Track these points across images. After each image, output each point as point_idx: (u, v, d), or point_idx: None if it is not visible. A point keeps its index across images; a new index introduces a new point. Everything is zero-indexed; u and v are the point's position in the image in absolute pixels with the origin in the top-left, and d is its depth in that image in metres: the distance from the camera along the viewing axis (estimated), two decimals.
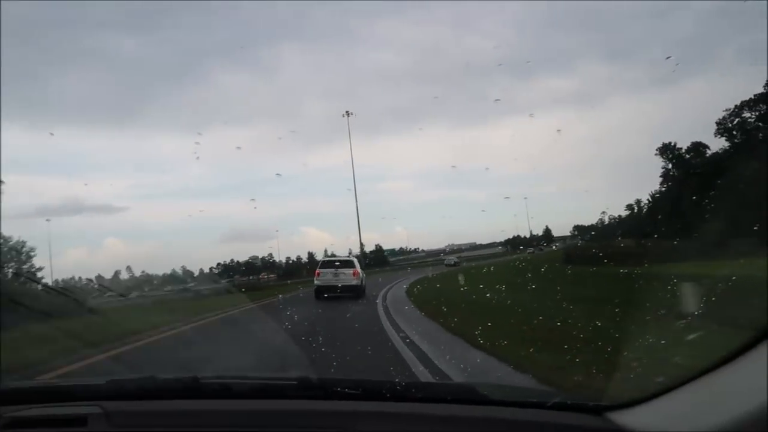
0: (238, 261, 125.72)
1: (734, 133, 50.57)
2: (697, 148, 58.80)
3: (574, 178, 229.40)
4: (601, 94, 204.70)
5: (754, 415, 0.86)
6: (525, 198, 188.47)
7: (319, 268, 20.21)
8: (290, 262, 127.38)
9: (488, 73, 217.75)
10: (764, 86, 45.71)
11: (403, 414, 1.43)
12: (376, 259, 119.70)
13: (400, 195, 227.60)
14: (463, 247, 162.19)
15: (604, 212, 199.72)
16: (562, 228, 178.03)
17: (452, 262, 65.85)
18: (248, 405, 1.52)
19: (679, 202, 45.95)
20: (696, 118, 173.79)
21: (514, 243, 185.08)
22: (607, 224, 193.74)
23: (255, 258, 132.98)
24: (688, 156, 60.10)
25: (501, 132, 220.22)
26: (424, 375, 5.63)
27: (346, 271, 19.50)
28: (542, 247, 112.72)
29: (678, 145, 60.88)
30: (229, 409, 1.50)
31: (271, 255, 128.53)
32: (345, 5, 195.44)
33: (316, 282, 19.69)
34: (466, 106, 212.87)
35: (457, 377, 5.40)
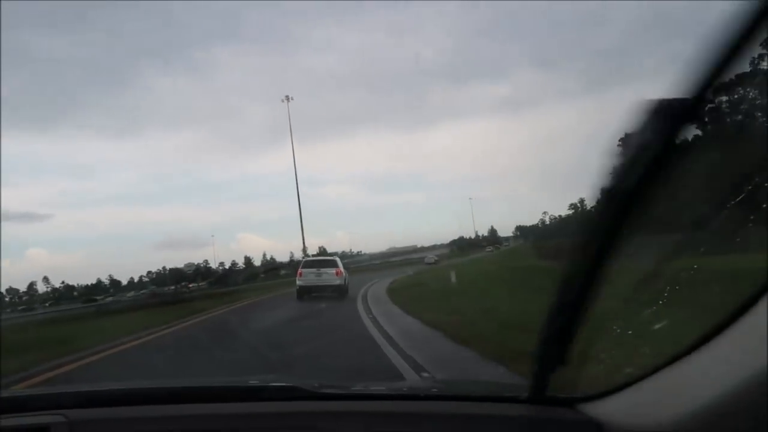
0: (172, 268, 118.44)
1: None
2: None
3: (513, 181, 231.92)
4: (534, 100, 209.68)
5: (731, 395, 0.85)
6: (470, 198, 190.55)
7: (302, 267, 19.47)
8: (229, 267, 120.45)
9: (426, 79, 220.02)
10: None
11: (376, 413, 1.42)
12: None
13: (340, 199, 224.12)
14: (405, 250, 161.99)
15: (545, 213, 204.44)
16: (504, 229, 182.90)
17: (432, 260, 65.17)
18: (221, 408, 1.48)
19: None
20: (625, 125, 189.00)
21: (460, 244, 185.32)
22: (549, 224, 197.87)
23: (190, 265, 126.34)
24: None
25: (440, 136, 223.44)
26: None
27: (329, 271, 18.79)
28: (498, 246, 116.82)
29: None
30: (196, 413, 1.47)
31: (206, 261, 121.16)
32: (282, 8, 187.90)
33: (298, 282, 18.94)
34: (405, 111, 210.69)
35: None
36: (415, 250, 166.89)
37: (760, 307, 0.86)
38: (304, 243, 52.02)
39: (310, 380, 1.62)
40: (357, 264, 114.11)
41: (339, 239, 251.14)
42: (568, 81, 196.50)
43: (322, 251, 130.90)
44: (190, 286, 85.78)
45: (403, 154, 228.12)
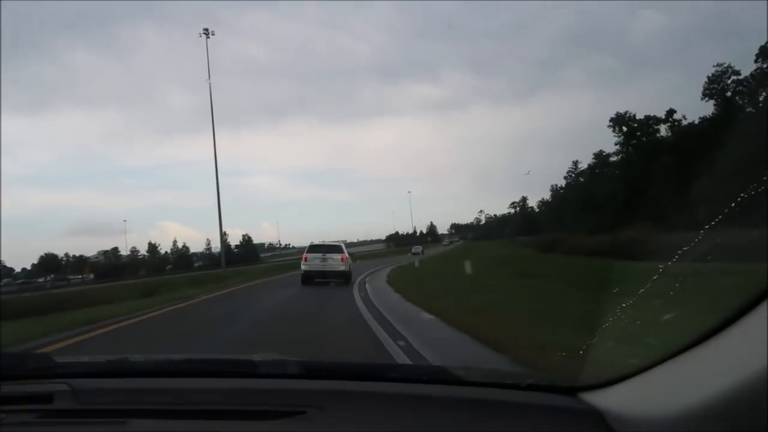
0: (76, 256, 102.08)
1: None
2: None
3: (447, 180, 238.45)
4: (466, 102, 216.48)
5: (730, 392, 0.85)
6: (409, 192, 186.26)
7: (307, 252, 19.33)
8: (127, 256, 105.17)
9: (359, 75, 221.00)
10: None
11: (377, 393, 1.42)
12: (242, 255, 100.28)
13: (269, 190, 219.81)
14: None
15: (481, 211, 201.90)
16: (440, 226, 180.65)
17: (418, 251, 66.43)
18: (219, 383, 1.49)
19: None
20: (557, 131, 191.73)
21: (397, 240, 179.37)
22: (486, 222, 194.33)
23: (99, 254, 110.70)
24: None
25: (374, 133, 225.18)
26: None
27: (334, 257, 18.81)
28: (453, 241, 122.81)
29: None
30: (200, 387, 1.48)
31: (116, 249, 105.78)
32: None
33: (303, 267, 18.94)
34: (336, 106, 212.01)
35: None
36: (346, 245, 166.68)
37: (765, 304, 0.86)
38: (222, 232, 39.50)
39: (321, 360, 1.80)
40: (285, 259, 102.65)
41: (266, 231, 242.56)
42: (498, 86, 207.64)
43: (246, 240, 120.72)
44: (73, 278, 71.12)
45: (335, 148, 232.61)
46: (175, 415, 1.37)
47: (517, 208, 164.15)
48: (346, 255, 19.62)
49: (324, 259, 18.85)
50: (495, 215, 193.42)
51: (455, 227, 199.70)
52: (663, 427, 0.99)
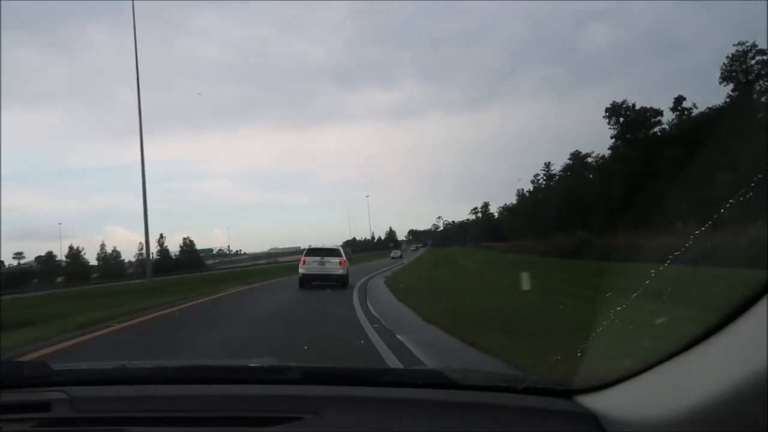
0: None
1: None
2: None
3: (403, 187, 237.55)
4: (422, 109, 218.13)
5: (724, 394, 0.85)
6: (367, 196, 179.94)
7: (305, 255, 19.24)
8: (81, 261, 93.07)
9: (314, 79, 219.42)
10: None
11: (373, 398, 1.41)
12: (182, 262, 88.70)
13: (221, 195, 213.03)
14: (289, 251, 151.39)
15: (439, 217, 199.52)
16: (397, 232, 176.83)
17: (398, 255, 66.43)
18: (216, 390, 1.48)
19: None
20: (511, 138, 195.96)
21: (354, 245, 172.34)
22: (445, 228, 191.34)
23: (32, 261, 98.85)
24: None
25: (329, 138, 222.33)
26: None
27: (332, 260, 18.82)
28: (418, 247, 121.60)
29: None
30: (197, 394, 1.47)
31: (50, 253, 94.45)
32: None
33: (301, 270, 18.85)
34: (291, 110, 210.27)
35: None
36: (299, 251, 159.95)
37: (761, 306, 0.85)
38: (147, 240, 29.41)
39: (302, 363, 1.64)
40: (234, 265, 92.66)
41: (218, 236, 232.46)
42: (452, 94, 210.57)
43: (188, 245, 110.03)
44: None
45: (290, 152, 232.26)
46: (172, 422, 1.38)
47: (479, 214, 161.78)
48: (344, 258, 19.37)
49: (322, 263, 18.49)
50: (453, 221, 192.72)
51: (413, 233, 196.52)
52: (657, 429, 0.99)
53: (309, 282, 18.56)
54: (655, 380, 1.07)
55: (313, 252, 19.40)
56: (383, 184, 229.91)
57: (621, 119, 53.93)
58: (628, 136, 53.06)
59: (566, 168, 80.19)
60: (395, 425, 1.30)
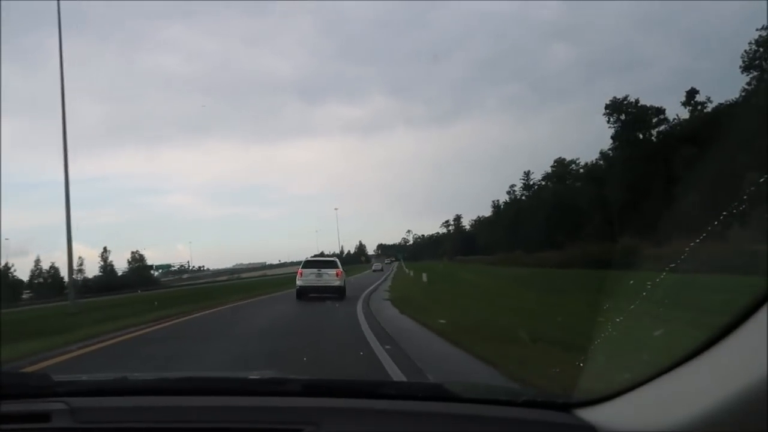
0: None
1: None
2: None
3: (371, 201, 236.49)
4: (388, 124, 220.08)
5: (728, 404, 0.85)
6: (336, 209, 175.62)
7: (302, 268, 19.32)
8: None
9: (281, 94, 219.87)
10: None
11: (372, 410, 1.40)
12: (128, 279, 78.51)
13: (184, 210, 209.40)
14: (254, 266, 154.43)
15: (408, 231, 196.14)
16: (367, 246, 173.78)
17: (379, 267, 66.08)
18: (216, 401, 1.48)
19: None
20: (478, 153, 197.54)
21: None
22: (416, 242, 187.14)
23: None
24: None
25: (296, 152, 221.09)
26: None
27: (329, 272, 18.83)
28: (392, 260, 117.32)
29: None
30: (197, 405, 1.47)
31: None
32: (129, 3, 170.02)
33: (298, 282, 18.96)
34: (257, 124, 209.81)
35: None
36: (264, 267, 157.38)
37: (760, 315, 0.85)
38: (70, 257, 22.76)
39: (303, 376, 1.65)
40: (194, 283, 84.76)
41: (179, 252, 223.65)
42: (418, 110, 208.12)
43: (137, 260, 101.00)
44: None
45: (255, 167, 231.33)
46: None
47: (451, 227, 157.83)
48: (341, 270, 19.52)
49: (319, 275, 18.67)
50: (423, 235, 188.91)
51: (382, 247, 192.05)
52: None
53: (306, 294, 18.50)
54: (654, 393, 1.07)
55: (310, 264, 19.47)
56: (351, 199, 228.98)
57: (622, 116, 49.75)
58: (629, 135, 48.84)
59: (550, 176, 76.13)
60: None
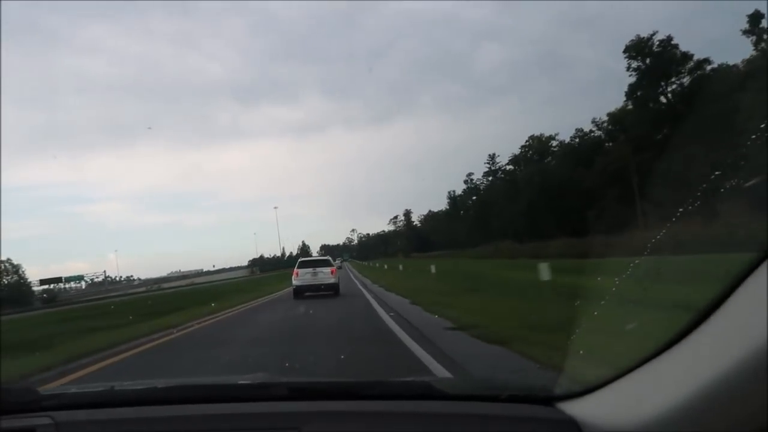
0: None
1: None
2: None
3: (312, 202, 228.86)
4: (325, 125, 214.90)
5: (707, 391, 0.86)
6: (275, 207, 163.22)
7: (297, 268, 19.87)
8: None
9: (214, 96, 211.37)
10: None
11: (357, 412, 1.42)
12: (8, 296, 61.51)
13: (114, 218, 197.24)
14: (190, 274, 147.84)
15: (353, 230, 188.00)
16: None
17: (339, 266, 60.35)
18: (204, 409, 1.47)
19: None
20: (419, 152, 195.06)
21: (262, 264, 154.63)
22: (362, 241, 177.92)
23: None
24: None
25: (232, 155, 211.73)
26: None
27: (324, 270, 19.42)
28: (344, 259, 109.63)
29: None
30: (186, 414, 1.47)
31: None
32: (47, 3, 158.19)
33: (294, 282, 19.46)
34: (190, 128, 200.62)
35: None
36: (200, 273, 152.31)
37: (736, 299, 0.86)
38: None
39: (297, 378, 1.83)
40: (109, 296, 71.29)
41: (110, 262, 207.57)
42: (353, 110, 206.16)
43: (7, 270, 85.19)
44: None
45: (190, 172, 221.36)
46: None
47: (400, 224, 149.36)
48: (335, 268, 20.45)
49: (315, 273, 19.30)
50: (368, 234, 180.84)
51: (325, 248, 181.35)
52: None
53: (302, 293, 18.92)
54: (635, 384, 1.07)
55: (304, 264, 20.16)
56: (291, 201, 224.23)
57: (647, 61, 40.20)
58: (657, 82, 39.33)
59: (520, 157, 67.33)
60: None
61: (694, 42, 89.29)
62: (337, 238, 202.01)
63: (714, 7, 70.31)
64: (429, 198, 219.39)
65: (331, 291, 18.98)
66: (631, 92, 40.63)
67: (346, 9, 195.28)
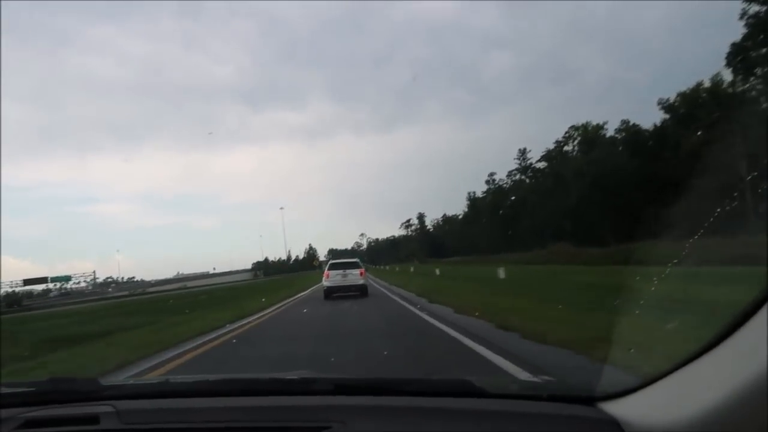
0: None
1: None
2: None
3: (320, 206, 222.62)
4: (332, 129, 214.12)
5: (747, 392, 0.86)
6: (281, 208, 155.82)
7: (328, 269, 20.77)
8: None
9: (222, 99, 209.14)
10: None
11: (399, 407, 1.44)
12: None
13: (121, 218, 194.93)
14: (195, 276, 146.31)
15: (362, 235, 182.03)
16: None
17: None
18: (251, 402, 1.55)
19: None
20: (427, 158, 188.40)
21: (267, 268, 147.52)
22: (367, 247, 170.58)
23: None
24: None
25: (239, 158, 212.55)
26: None
27: (353, 272, 20.04)
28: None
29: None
30: (234, 405, 1.54)
31: None
32: (53, 3, 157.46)
33: (325, 283, 20.05)
34: (197, 130, 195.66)
35: None
36: (206, 276, 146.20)
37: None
38: None
39: (334, 375, 1.76)
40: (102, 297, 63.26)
41: (118, 263, 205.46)
42: (361, 115, 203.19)
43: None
44: None
45: (196, 174, 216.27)
46: None
47: (412, 228, 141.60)
48: (364, 270, 20.83)
49: (345, 275, 19.87)
50: (377, 239, 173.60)
51: (333, 252, 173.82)
52: None
53: (333, 294, 19.43)
54: (676, 384, 1.08)
55: (335, 266, 20.73)
56: (298, 205, 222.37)
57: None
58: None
59: (555, 152, 59.17)
60: None
61: None
62: (344, 243, 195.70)
63: None
64: (441, 202, 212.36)
65: (359, 292, 19.54)
66: (735, 54, 32.15)
67: (354, 13, 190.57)
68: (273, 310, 15.96)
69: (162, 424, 1.46)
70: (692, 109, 37.90)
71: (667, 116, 43.38)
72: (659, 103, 43.60)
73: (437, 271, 30.59)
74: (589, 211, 41.76)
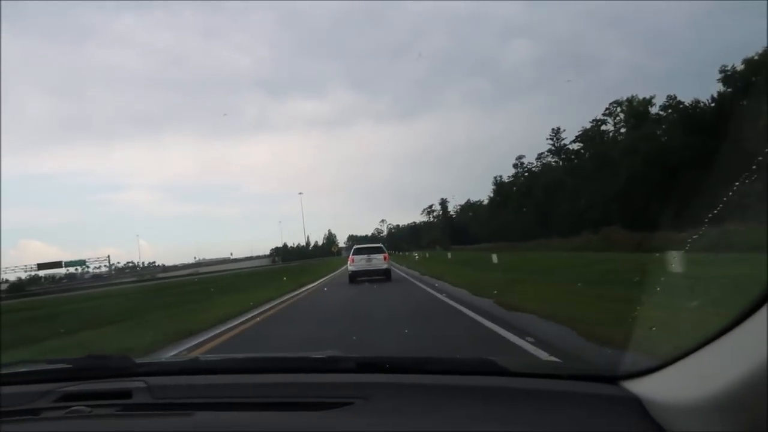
0: None
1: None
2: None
3: (339, 195, 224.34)
4: (352, 118, 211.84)
5: (764, 371, 0.87)
6: (300, 193, 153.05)
7: (353, 254, 21.49)
8: None
9: (242, 89, 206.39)
10: None
11: (422, 385, 1.47)
12: None
13: (143, 206, 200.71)
14: (216, 261, 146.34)
15: (383, 221, 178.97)
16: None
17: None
18: (278, 378, 1.61)
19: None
20: (446, 147, 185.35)
21: (285, 253, 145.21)
22: (387, 233, 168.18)
23: None
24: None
25: (259, 147, 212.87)
26: None
27: (377, 257, 20.83)
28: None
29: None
30: (262, 382, 1.61)
31: None
32: None
33: (350, 268, 21.08)
34: (218, 120, 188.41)
35: None
36: (226, 261, 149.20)
37: None
38: None
39: (370, 356, 1.77)
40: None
41: (142, 248, 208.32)
42: (381, 104, 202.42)
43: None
44: None
45: (217, 162, 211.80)
46: (236, 407, 1.47)
47: (434, 214, 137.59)
48: (387, 254, 21.65)
49: (369, 260, 20.86)
50: (398, 225, 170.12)
51: (353, 239, 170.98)
52: (699, 411, 0.99)
53: (357, 278, 20.48)
54: (698, 363, 1.08)
55: (359, 251, 21.70)
56: (317, 192, 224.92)
57: None
58: None
59: (593, 132, 54.27)
60: (442, 410, 1.34)
61: None
62: (365, 229, 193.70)
63: None
64: (463, 188, 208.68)
65: (383, 276, 20.44)
66: None
67: (373, 2, 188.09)
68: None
69: (192, 399, 1.51)
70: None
71: (727, 89, 38.71)
72: (721, 71, 38.74)
73: (494, 258, 25.58)
74: (643, 192, 37.15)
